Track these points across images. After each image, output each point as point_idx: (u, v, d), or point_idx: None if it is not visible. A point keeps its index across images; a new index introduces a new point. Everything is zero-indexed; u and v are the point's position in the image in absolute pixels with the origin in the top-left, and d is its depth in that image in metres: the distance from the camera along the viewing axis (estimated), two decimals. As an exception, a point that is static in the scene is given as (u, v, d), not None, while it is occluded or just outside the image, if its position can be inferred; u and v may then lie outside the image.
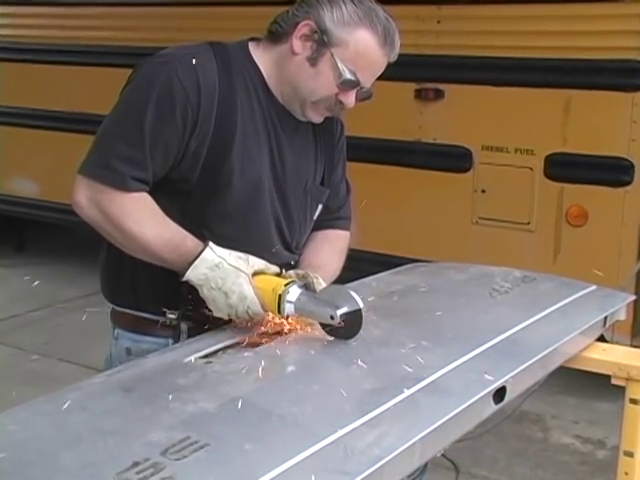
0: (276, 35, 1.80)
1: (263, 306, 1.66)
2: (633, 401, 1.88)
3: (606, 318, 2.00)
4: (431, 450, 1.34)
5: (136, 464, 1.12)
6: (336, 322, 1.61)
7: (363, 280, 2.15)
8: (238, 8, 4.71)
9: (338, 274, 1.97)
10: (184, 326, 1.81)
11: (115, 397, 1.38)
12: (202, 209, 1.76)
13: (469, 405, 1.40)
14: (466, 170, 4.24)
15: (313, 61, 1.75)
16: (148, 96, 1.69)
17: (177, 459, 1.14)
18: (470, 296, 2.02)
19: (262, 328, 1.69)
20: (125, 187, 1.68)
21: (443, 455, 3.31)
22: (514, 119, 4.07)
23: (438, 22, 4.23)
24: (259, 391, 1.42)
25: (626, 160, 3.84)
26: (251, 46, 1.84)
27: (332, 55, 1.73)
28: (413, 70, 4.13)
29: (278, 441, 1.23)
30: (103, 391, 1.41)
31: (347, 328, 1.62)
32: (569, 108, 3.93)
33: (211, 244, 1.68)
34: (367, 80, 1.77)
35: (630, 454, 1.89)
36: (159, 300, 1.81)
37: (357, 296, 1.62)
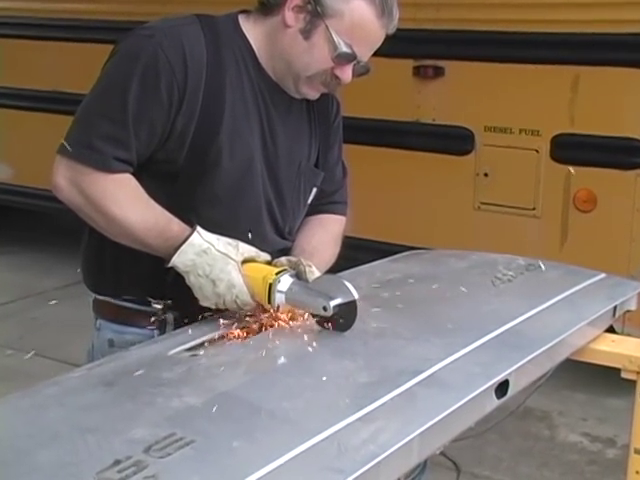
0: (267, 7, 1.79)
1: (252, 295, 1.66)
2: (644, 396, 1.89)
3: (616, 308, 2.01)
4: (430, 447, 1.35)
5: (117, 462, 1.12)
6: (329, 314, 1.62)
7: (358, 268, 2.16)
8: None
9: (334, 261, 1.98)
10: (170, 316, 1.82)
11: (95, 392, 1.38)
12: (189, 192, 1.77)
13: (470, 399, 1.41)
14: (467, 152, 4.25)
15: (307, 34, 1.74)
16: (132, 71, 1.68)
17: (161, 457, 1.14)
18: (471, 285, 2.03)
19: (252, 319, 1.70)
20: (107, 168, 1.68)
21: (444, 454, 3.38)
22: (519, 98, 4.07)
23: (438, -6, 4.24)
24: (248, 385, 1.43)
25: (638, 141, 3.85)
26: (241, 19, 1.84)
27: (326, 27, 1.72)
28: (411, 46, 4.12)
29: (268, 438, 1.23)
30: (82, 386, 1.41)
31: (341, 320, 1.63)
32: (577, 86, 3.93)
33: (199, 228, 1.68)
34: (364, 53, 1.77)
35: (641, 452, 1.91)
36: (144, 289, 1.82)
37: (352, 287, 1.62)
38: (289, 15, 1.75)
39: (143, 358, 1.53)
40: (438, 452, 1.42)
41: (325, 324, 1.64)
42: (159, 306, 1.82)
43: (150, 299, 1.82)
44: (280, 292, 1.65)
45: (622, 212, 3.91)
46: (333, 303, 1.61)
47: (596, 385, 3.98)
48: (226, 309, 1.70)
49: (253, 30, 1.82)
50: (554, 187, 4.04)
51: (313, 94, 1.85)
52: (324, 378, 1.45)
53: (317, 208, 2.02)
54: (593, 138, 3.94)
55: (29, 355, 3.05)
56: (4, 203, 6.03)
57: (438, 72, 4.28)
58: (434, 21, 4.23)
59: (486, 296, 1.96)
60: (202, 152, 1.75)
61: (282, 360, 1.59)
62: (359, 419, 1.29)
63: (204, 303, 1.68)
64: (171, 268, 1.68)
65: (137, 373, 1.44)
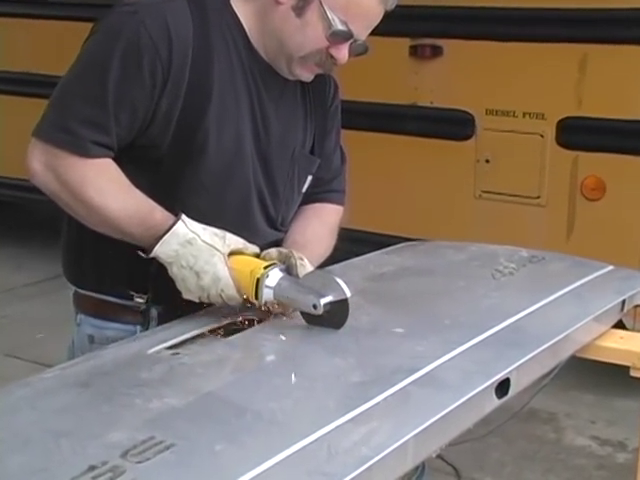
0: None
1: (239, 290, 1.67)
2: (655, 396, 1.90)
3: (624, 302, 2.01)
4: (425, 450, 1.35)
5: (92, 468, 1.12)
6: (319, 312, 1.62)
7: (350, 261, 2.16)
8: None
9: (329, 253, 1.98)
10: (154, 312, 1.83)
11: (69, 394, 1.38)
12: (173, 180, 1.77)
13: (468, 399, 1.42)
14: (468, 137, 4.25)
15: (299, 11, 1.74)
16: (112, 49, 1.68)
17: (139, 462, 1.15)
18: (470, 278, 2.04)
19: (238, 316, 1.70)
20: (86, 152, 1.68)
21: (443, 459, 3.39)
22: (522, 79, 4.07)
23: (436, -32, 4.24)
24: (232, 385, 1.43)
25: (649, 125, 3.86)
26: None
27: (320, 3, 1.72)
28: (407, 23, 4.08)
29: (253, 440, 1.24)
30: (56, 387, 1.42)
31: (331, 319, 1.63)
32: (585, 66, 3.93)
33: (184, 217, 1.68)
34: (361, 32, 1.77)
35: (652, 456, 1.92)
36: (126, 282, 1.82)
37: (344, 284, 1.63)
38: None
39: (121, 357, 1.54)
40: (434, 455, 1.42)
41: (314, 322, 1.65)
42: (142, 300, 1.82)
43: (132, 293, 1.82)
44: (268, 287, 1.66)
45: (632, 200, 3.91)
46: (324, 301, 1.62)
47: (605, 385, 3.99)
48: (211, 304, 1.70)
49: (243, 7, 1.81)
50: (560, 174, 4.05)
51: (307, 75, 1.84)
52: (313, 377, 1.46)
53: (313, 197, 2.02)
54: (602, 122, 3.94)
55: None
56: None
57: (436, 52, 4.27)
58: (432, -3, 4.23)
59: (486, 290, 1.97)
60: (187, 137, 1.75)
61: (269, 358, 1.60)
62: (350, 420, 1.29)
63: (187, 296, 1.69)
64: (154, 259, 1.69)
65: (114, 373, 1.45)
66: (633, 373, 1.92)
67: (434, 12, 4.25)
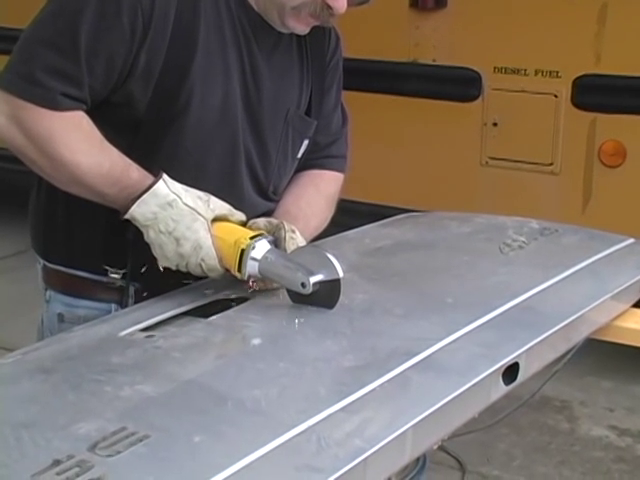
0: None
1: (220, 260, 1.67)
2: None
3: (645, 279, 2.02)
4: (425, 442, 1.36)
5: (57, 463, 1.12)
6: (307, 291, 1.62)
7: (344, 234, 2.16)
8: None
9: (325, 226, 1.99)
10: (131, 288, 1.83)
11: (32, 381, 1.38)
12: (153, 143, 1.77)
13: (473, 385, 1.42)
14: (474, 98, 4.24)
15: None
16: None
17: (109, 455, 1.14)
18: (475, 253, 2.04)
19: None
20: (54, 105, 1.66)
21: (446, 451, 3.40)
22: (534, 33, 4.06)
23: None
24: (212, 371, 1.43)
25: (675, 83, 3.86)
26: None
27: None
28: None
29: (235, 432, 1.24)
30: (16, 374, 1.41)
31: (320, 300, 1.63)
32: (605, 17, 3.92)
33: (165, 177, 1.67)
34: None
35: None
36: (100, 254, 1.82)
37: (337, 263, 1.63)
38: None
39: (89, 340, 1.53)
40: (436, 447, 1.43)
41: (302, 302, 1.65)
42: (117, 276, 1.82)
43: (107, 267, 1.82)
44: (253, 260, 1.65)
45: (655, 167, 3.92)
46: (313, 280, 1.62)
47: (625, 370, 4.02)
48: (196, 277, 1.71)
49: None
50: (576, 138, 4.05)
51: (302, 28, 1.83)
52: (302, 362, 1.46)
53: (309, 163, 2.02)
54: (623, 80, 3.94)
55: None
56: None
57: (439, 3, 4.26)
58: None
59: (493, 266, 1.97)
60: (169, 95, 1.74)
61: (253, 341, 1.60)
62: (343, 409, 1.29)
63: (163, 264, 1.69)
64: (132, 228, 1.68)
65: (81, 358, 1.44)
66: (655, 356, 1.93)
67: (436, -42, 4.23)
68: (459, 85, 4.29)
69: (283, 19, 1.80)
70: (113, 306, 1.84)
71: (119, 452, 1.15)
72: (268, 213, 1.89)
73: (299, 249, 1.71)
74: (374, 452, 1.21)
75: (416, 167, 4.38)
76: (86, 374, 1.39)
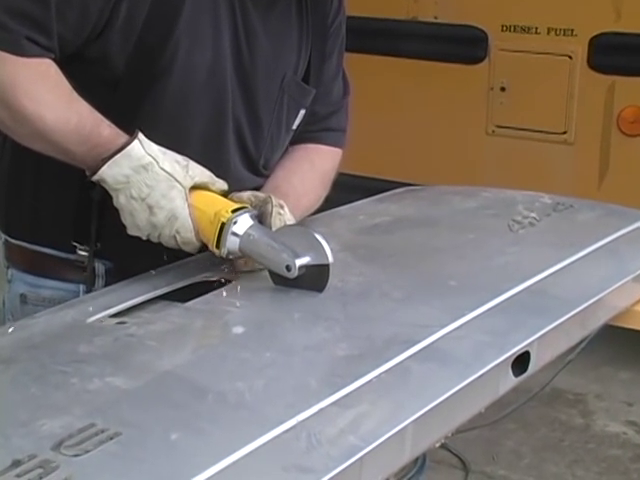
0: None
1: (197, 233, 1.66)
2: None
3: (669, 259, 2.02)
4: (427, 439, 1.36)
5: (17, 463, 1.11)
6: (292, 275, 1.63)
7: (337, 209, 2.17)
8: None
9: (318, 206, 1.99)
10: (101, 267, 1.83)
11: (-11, 372, 1.38)
12: (132, 106, 1.76)
13: (479, 377, 1.41)
14: (479, 60, 4.25)
15: None
16: None
17: (76, 455, 1.13)
18: (482, 230, 2.04)
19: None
20: (18, 50, 1.65)
21: (448, 449, 3.41)
22: (546, -13, 4.07)
23: None
24: (191, 361, 1.43)
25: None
26: None
27: None
28: None
29: (217, 428, 1.23)
30: (-28, 364, 1.41)
31: (305, 285, 1.64)
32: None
33: (141, 136, 1.66)
34: None
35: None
36: (69, 229, 1.82)
37: (327, 246, 1.63)
38: None
39: (54, 327, 1.53)
40: (438, 445, 1.43)
41: (284, 285, 1.65)
42: (86, 253, 1.82)
43: (76, 244, 1.82)
44: (235, 235, 1.65)
45: (679, 136, 3.93)
46: (299, 262, 1.62)
47: (644, 360, 4.03)
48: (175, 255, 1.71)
49: None
50: (592, 104, 4.05)
51: None
52: (290, 351, 1.46)
53: (305, 135, 2.02)
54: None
55: None
56: None
57: (440, -47, 4.27)
58: None
59: (501, 245, 1.97)
60: (151, 52, 1.74)
61: (237, 329, 1.60)
62: (335, 403, 1.29)
63: (132, 232, 1.68)
64: (101, 189, 1.68)
65: (45, 346, 1.44)
66: (678, 345, 1.93)
67: None
68: (463, 45, 4.30)
69: None
70: (81, 287, 1.84)
71: (87, 451, 1.14)
72: (257, 189, 1.87)
73: (286, 227, 1.70)
74: (370, 450, 1.21)
75: (415, 137, 4.39)
76: (50, 365, 1.38)
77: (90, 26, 1.69)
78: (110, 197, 1.67)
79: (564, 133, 4.12)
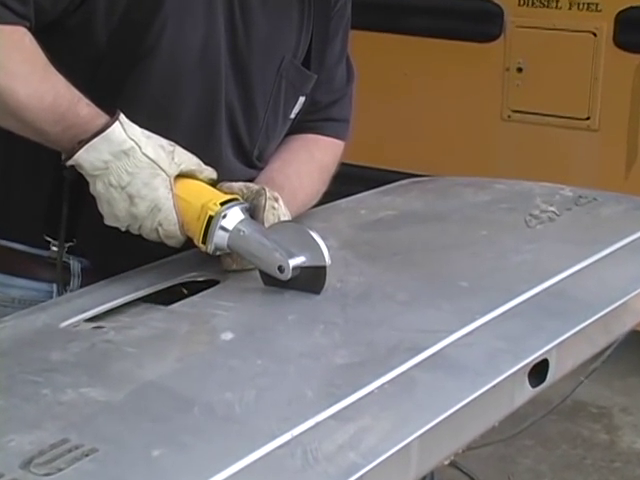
0: None
1: (182, 227, 1.67)
2: None
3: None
4: (435, 456, 1.36)
5: (-17, 483, 1.12)
6: (285, 277, 1.63)
7: (336, 203, 2.18)
8: None
9: (315, 202, 2.00)
10: (76, 265, 1.83)
11: (-49, 382, 1.38)
12: (114, 88, 1.77)
13: (493, 387, 1.41)
14: (494, 38, 4.25)
15: None
16: None
17: (47, 474, 1.14)
18: (495, 226, 2.05)
19: None
20: None
21: (458, 467, 3.41)
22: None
23: None
24: (175, 370, 1.44)
25: None
26: None
27: None
28: None
29: (203, 443, 1.23)
30: None
31: (299, 287, 1.64)
32: None
33: (122, 118, 1.66)
34: None
35: None
36: (42, 222, 1.82)
37: (324, 246, 1.63)
38: None
39: (23, 332, 1.53)
40: (447, 463, 1.43)
41: (276, 286, 1.66)
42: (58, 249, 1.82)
43: (49, 239, 1.82)
44: (223, 230, 1.66)
45: None
46: (293, 263, 1.63)
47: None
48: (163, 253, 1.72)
49: None
50: (619, 86, 4.06)
51: None
52: (284, 358, 1.46)
53: (305, 125, 2.03)
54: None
55: None
56: None
57: None
58: None
59: (517, 242, 1.98)
60: (137, 29, 1.74)
61: (225, 334, 1.59)
62: (334, 416, 1.29)
63: (110, 222, 1.68)
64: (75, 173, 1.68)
65: (13, 354, 1.44)
66: None
67: None
68: (476, 22, 4.30)
69: None
70: (54, 286, 1.84)
71: (60, 469, 1.15)
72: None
73: (280, 224, 1.71)
74: (372, 469, 1.21)
75: (423, 122, 4.40)
76: (19, 374, 1.38)
77: None
78: (86, 181, 1.67)
79: (587, 119, 4.12)
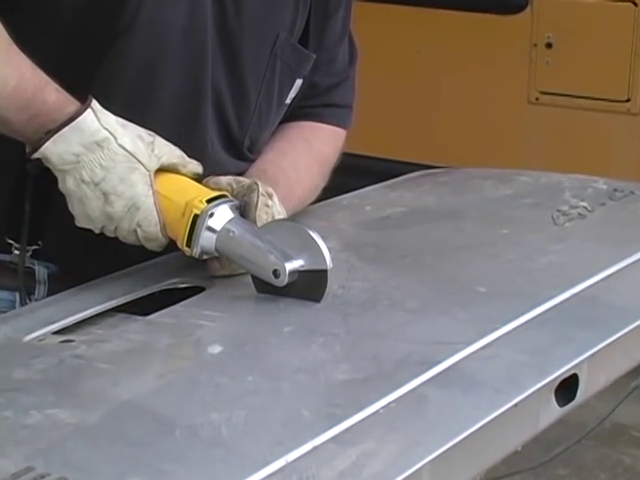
0: None
1: (164, 228, 1.68)
2: None
3: None
4: (448, 484, 1.37)
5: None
6: (281, 282, 1.64)
7: (338, 199, 2.19)
8: None
9: (314, 198, 2.02)
10: (42, 272, 1.85)
11: None
12: (88, 69, 1.78)
13: (514, 406, 1.42)
14: (520, 9, 4.25)
15: None
16: None
17: (10, 506, 1.16)
18: (518, 223, 2.06)
19: None
20: None
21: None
22: None
23: None
24: (155, 389, 1.44)
25: None
26: None
27: None
28: None
29: (186, 470, 1.24)
30: None
31: (297, 293, 1.65)
32: None
33: (95, 105, 1.66)
34: None
35: None
36: (4, 223, 1.84)
37: (325, 247, 1.64)
38: None
39: (-18, 347, 1.54)
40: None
41: (271, 293, 1.67)
42: (25, 254, 1.83)
43: (12, 242, 1.83)
44: (210, 231, 1.66)
45: None
46: (290, 267, 1.63)
47: None
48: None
49: None
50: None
51: None
52: (278, 375, 1.47)
53: (303, 111, 2.05)
54: None
55: None
56: None
57: None
58: None
59: (542, 242, 1.98)
60: (110, 5, 1.75)
61: (212, 347, 1.62)
62: (334, 439, 1.30)
63: (83, 224, 1.69)
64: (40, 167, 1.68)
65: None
66: None
67: None
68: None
69: None
70: (17, 296, 1.85)
71: (25, 501, 1.16)
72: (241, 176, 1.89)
73: (275, 223, 1.71)
74: (377, 498, 1.22)
75: (438, 106, 4.40)
76: (-22, 394, 1.40)
77: None
78: (53, 177, 1.68)
79: (627, 101, 4.11)
